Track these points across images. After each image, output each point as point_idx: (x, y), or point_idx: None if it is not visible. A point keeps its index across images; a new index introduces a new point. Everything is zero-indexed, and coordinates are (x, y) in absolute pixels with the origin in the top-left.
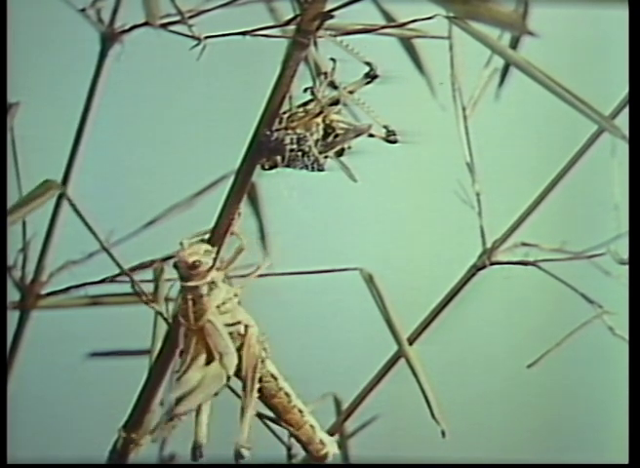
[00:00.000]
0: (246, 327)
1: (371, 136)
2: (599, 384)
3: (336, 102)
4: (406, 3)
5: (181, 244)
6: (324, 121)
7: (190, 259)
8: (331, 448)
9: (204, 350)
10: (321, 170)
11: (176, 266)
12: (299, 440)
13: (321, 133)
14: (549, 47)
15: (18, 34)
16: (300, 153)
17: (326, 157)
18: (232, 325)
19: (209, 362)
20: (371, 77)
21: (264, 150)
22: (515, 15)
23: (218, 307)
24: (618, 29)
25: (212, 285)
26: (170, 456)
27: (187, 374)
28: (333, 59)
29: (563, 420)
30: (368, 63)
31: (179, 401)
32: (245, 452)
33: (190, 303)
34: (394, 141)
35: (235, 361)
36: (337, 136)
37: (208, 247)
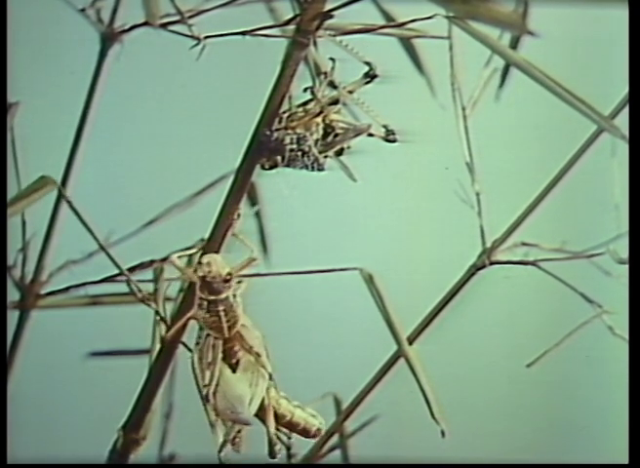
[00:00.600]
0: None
1: (370, 135)
2: (599, 384)
3: (335, 102)
4: (405, 3)
5: (201, 262)
6: (324, 121)
7: (224, 272)
8: (321, 420)
9: (230, 357)
10: (321, 169)
11: (208, 284)
12: (293, 426)
13: (321, 132)
14: (549, 47)
15: (17, 34)
16: (299, 153)
17: (326, 157)
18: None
19: (233, 369)
20: (370, 77)
21: (264, 150)
22: (515, 15)
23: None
24: (618, 29)
25: (234, 290)
26: (170, 456)
27: (226, 382)
28: (332, 59)
29: (563, 420)
30: (367, 63)
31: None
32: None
33: (222, 314)
34: (393, 141)
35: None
36: (336, 135)
37: (219, 256)
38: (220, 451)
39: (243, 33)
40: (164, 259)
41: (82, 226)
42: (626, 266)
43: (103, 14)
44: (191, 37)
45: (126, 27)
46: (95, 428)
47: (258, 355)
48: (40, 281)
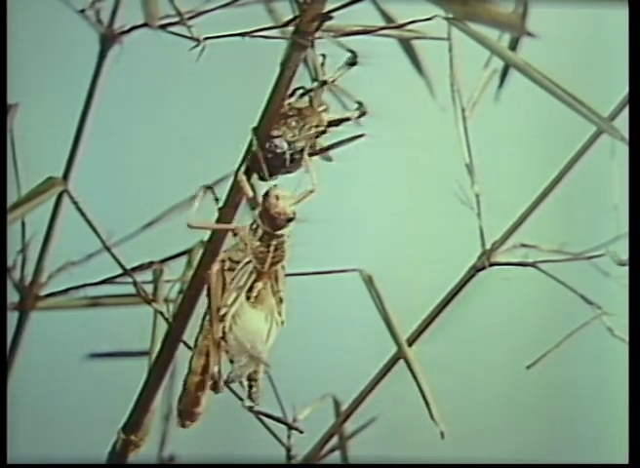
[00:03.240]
0: None
1: (345, 120)
2: (599, 385)
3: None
4: (405, 4)
5: (270, 194)
6: (317, 126)
7: (290, 211)
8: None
9: (258, 292)
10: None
11: (271, 217)
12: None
13: (314, 138)
14: (549, 47)
15: (17, 35)
16: (297, 158)
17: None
18: None
19: (254, 305)
20: (351, 64)
21: (265, 162)
22: (514, 16)
23: None
24: (617, 30)
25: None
26: (170, 457)
27: (245, 313)
28: (323, 55)
29: (563, 420)
30: (350, 51)
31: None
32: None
33: (272, 248)
34: (362, 114)
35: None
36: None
37: (289, 193)
38: (214, 389)
39: (242, 34)
40: (163, 261)
41: (81, 227)
42: (626, 268)
43: (103, 15)
44: (191, 38)
45: (125, 29)
46: (94, 429)
47: (280, 300)
48: (39, 282)
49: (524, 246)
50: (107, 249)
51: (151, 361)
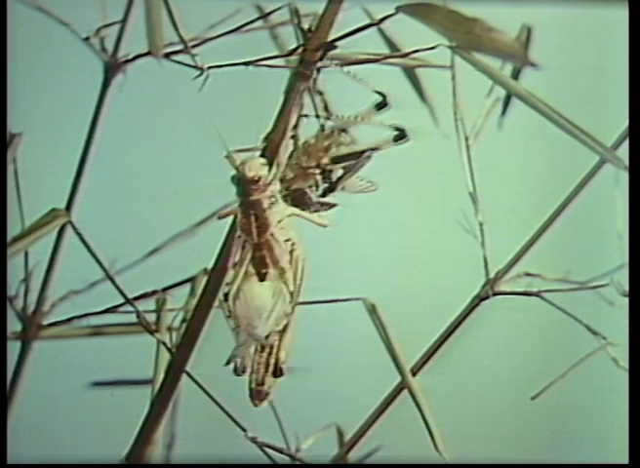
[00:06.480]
0: (293, 245)
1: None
2: (603, 414)
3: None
4: (408, 32)
5: (231, 158)
6: (323, 169)
7: (250, 174)
8: None
9: (259, 265)
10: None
11: (236, 182)
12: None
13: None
14: (551, 76)
15: (21, 63)
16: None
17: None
18: (284, 241)
19: (261, 278)
20: (381, 106)
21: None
22: (517, 45)
23: (279, 222)
24: (619, 60)
25: (272, 199)
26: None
27: (250, 289)
28: (320, 92)
29: (564, 422)
30: (379, 93)
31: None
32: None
33: (253, 218)
34: (403, 137)
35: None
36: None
37: (264, 160)
38: (227, 363)
39: (246, 63)
40: (165, 289)
41: (84, 256)
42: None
43: (107, 42)
44: (194, 67)
45: (129, 57)
46: (97, 459)
47: (282, 270)
48: (42, 311)
49: (528, 275)
50: (110, 278)
51: (154, 392)
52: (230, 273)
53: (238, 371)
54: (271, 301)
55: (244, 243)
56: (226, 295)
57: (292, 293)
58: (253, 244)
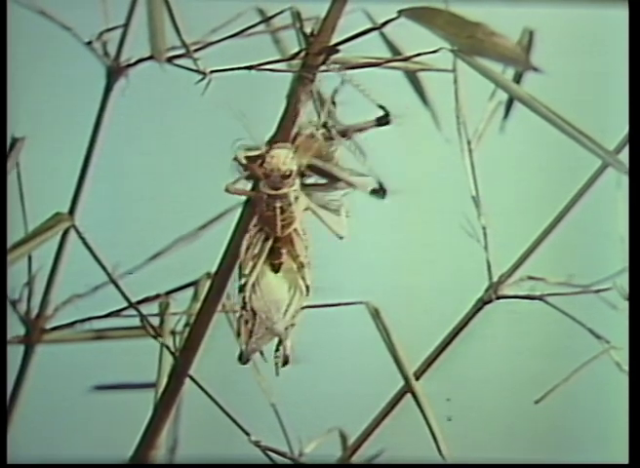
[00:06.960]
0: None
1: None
2: (602, 392)
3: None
4: (411, 36)
5: (255, 149)
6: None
7: (284, 168)
8: None
9: (273, 256)
10: None
11: (267, 176)
12: None
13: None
14: (553, 80)
15: (23, 67)
16: None
17: None
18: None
19: (274, 269)
20: (383, 122)
21: None
22: (519, 49)
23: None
24: (622, 59)
25: (297, 192)
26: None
27: (267, 282)
28: (333, 102)
29: (566, 425)
30: (382, 107)
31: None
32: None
33: (278, 211)
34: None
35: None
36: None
37: (292, 153)
38: (240, 360)
39: (249, 68)
40: (168, 293)
41: (87, 260)
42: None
43: (109, 46)
44: (197, 72)
45: (132, 61)
46: (100, 463)
47: (301, 264)
48: (45, 315)
49: (531, 278)
50: (114, 282)
51: (157, 395)
52: (249, 264)
53: (243, 360)
54: (288, 295)
55: (265, 236)
56: (242, 287)
57: (308, 287)
58: (274, 237)
